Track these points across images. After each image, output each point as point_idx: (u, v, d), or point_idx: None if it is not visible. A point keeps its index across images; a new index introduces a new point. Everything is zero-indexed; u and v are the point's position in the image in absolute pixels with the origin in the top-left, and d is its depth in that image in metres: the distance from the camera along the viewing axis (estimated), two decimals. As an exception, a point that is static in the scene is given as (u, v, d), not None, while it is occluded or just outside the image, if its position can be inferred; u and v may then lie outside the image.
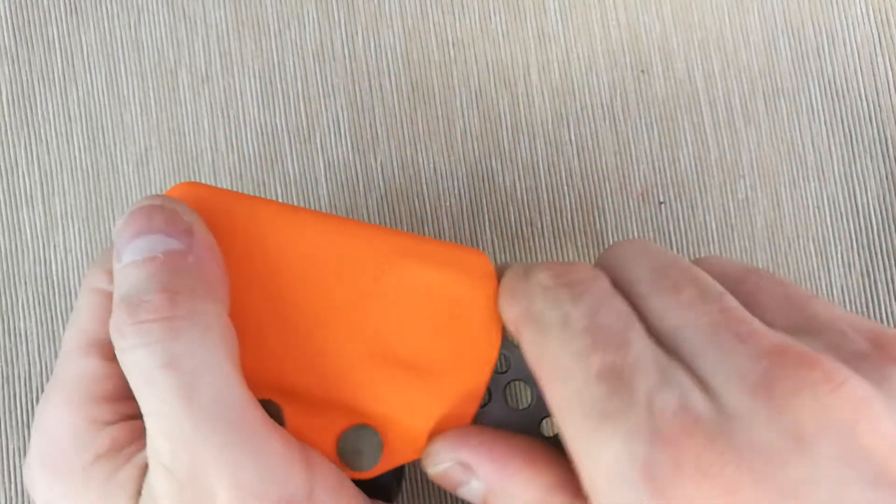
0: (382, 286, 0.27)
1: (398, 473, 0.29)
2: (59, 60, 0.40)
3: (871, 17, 0.40)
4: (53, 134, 0.39)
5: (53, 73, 0.39)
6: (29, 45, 0.40)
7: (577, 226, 0.39)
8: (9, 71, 0.39)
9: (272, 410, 0.26)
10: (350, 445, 0.26)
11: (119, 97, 0.39)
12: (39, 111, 0.39)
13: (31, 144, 0.39)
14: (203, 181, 0.39)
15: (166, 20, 0.40)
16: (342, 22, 0.40)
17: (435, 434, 0.26)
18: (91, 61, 0.39)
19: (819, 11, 0.40)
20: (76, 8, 0.40)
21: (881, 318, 0.37)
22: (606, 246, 0.38)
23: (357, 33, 0.40)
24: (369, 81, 0.40)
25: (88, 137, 0.39)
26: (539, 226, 0.39)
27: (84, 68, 0.39)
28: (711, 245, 0.39)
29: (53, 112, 0.39)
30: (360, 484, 0.27)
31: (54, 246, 0.39)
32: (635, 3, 0.40)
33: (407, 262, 0.27)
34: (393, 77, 0.39)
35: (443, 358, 0.27)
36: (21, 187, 0.39)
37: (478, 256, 0.28)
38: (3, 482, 0.37)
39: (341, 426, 0.27)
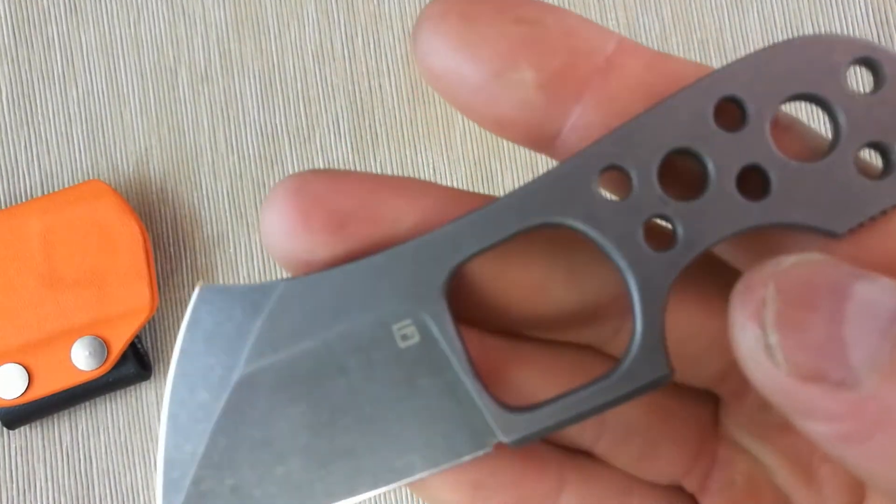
0: (42, 242, 0.36)
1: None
2: (58, 59, 0.39)
3: (871, 17, 0.39)
4: (53, 133, 0.39)
5: (53, 73, 0.39)
6: (28, 44, 0.39)
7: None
8: (8, 70, 0.39)
9: (18, 370, 0.35)
10: (82, 354, 0.36)
11: (119, 96, 0.39)
12: (39, 110, 0.39)
13: (31, 144, 0.39)
14: (203, 181, 0.39)
15: (166, 18, 0.40)
16: (342, 23, 0.40)
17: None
18: (91, 60, 0.39)
19: (819, 11, 0.39)
20: (75, 7, 0.40)
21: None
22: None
23: (357, 34, 0.40)
24: (369, 82, 0.39)
25: (88, 137, 0.39)
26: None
27: (84, 67, 0.39)
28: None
29: (53, 111, 0.39)
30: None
31: (54, 245, 0.39)
32: (635, 3, 0.40)
33: (45, 215, 0.36)
34: (393, 78, 0.39)
35: (106, 263, 0.36)
36: (21, 187, 0.39)
37: (92, 183, 0.37)
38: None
39: (68, 346, 0.36)
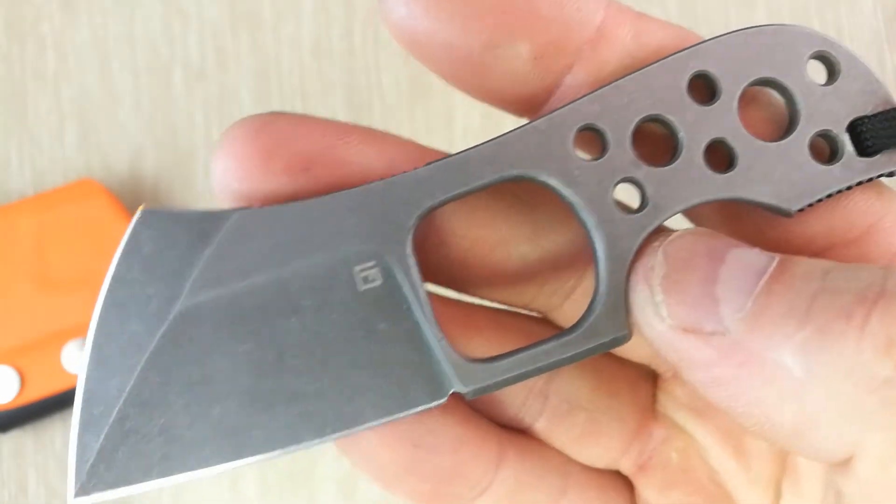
0: (34, 242, 0.36)
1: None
2: (51, 57, 0.39)
3: (879, 13, 0.39)
4: (46, 132, 0.39)
5: (46, 71, 0.39)
6: (21, 41, 0.39)
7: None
8: (0, 68, 0.39)
9: (9, 373, 0.35)
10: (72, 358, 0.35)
11: (112, 95, 0.39)
12: (32, 109, 0.39)
13: (23, 143, 0.39)
14: (197, 180, 0.38)
15: (160, 15, 0.39)
16: (340, 16, 0.39)
17: None
18: (84, 58, 0.39)
19: (827, 7, 0.39)
20: (68, 4, 0.39)
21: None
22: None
23: (355, 28, 0.39)
24: (367, 77, 0.39)
25: (81, 136, 0.39)
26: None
27: (76, 65, 0.39)
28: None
29: (46, 110, 0.39)
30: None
31: (46, 246, 0.39)
32: (639, -3, 0.39)
33: (37, 215, 0.36)
34: (392, 72, 0.39)
35: (98, 264, 0.33)
36: (13, 187, 0.39)
37: (85, 183, 0.36)
38: None
39: (59, 349, 0.35)
